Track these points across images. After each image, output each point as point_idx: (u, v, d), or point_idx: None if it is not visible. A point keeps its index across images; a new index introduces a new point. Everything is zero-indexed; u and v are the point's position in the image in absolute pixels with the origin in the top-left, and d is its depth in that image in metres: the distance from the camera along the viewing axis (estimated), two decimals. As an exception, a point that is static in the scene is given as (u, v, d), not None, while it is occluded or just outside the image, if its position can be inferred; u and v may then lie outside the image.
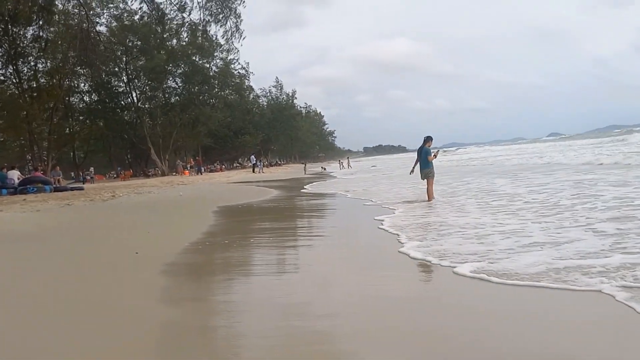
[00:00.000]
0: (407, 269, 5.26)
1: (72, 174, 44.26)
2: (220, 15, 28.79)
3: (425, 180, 12.16)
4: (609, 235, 5.90)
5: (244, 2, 29.84)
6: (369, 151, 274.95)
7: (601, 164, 21.12)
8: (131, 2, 32.43)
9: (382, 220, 8.63)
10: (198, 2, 27.73)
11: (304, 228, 9.35)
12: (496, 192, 12.79)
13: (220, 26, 29.24)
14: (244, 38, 32.46)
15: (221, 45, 43.84)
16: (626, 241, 5.50)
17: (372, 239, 7.51)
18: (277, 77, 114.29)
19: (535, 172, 19.72)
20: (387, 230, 7.68)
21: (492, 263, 4.99)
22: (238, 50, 46.09)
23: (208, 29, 29.85)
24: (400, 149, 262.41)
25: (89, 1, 34.61)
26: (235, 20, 29.72)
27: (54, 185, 22.02)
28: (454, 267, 4.93)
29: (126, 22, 43.31)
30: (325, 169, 54.81)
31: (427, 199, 11.86)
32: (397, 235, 7.10)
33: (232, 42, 32.50)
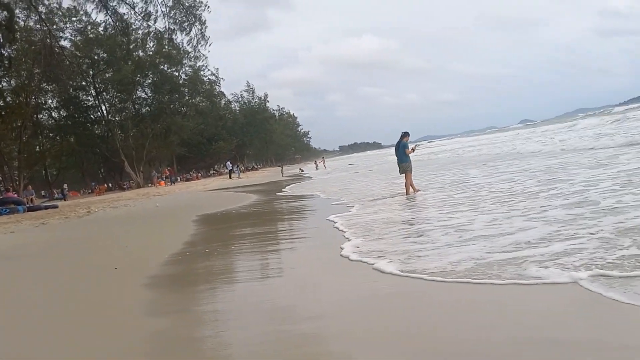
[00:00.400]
0: (344, 270, 5.27)
1: (43, 192, 43.42)
2: (185, 24, 28.70)
3: (404, 174, 12.33)
4: (559, 223, 5.83)
5: (208, 7, 29.81)
6: (345, 149, 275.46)
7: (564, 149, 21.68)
8: (95, 14, 31.96)
9: (335, 222, 8.69)
10: (162, 11, 27.59)
11: (282, 231, 9.38)
12: (465, 183, 13.01)
13: (186, 34, 29.16)
14: (210, 44, 32.45)
15: (189, 53, 43.60)
16: (568, 228, 5.46)
17: (319, 239, 7.56)
18: (248, 82, 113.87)
19: (503, 160, 20.09)
20: (337, 229, 7.87)
21: (409, 261, 5.00)
22: (206, 57, 45.81)
23: (174, 37, 29.70)
24: (376, 146, 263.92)
25: (50, 16, 34.01)
26: (200, 27, 29.66)
27: (27, 205, 21.65)
28: (383, 267, 4.92)
29: (91, 35, 42.64)
30: (302, 170, 54.85)
31: (405, 192, 12.02)
32: (344, 232, 7.36)
33: (199, 49, 32.42)
